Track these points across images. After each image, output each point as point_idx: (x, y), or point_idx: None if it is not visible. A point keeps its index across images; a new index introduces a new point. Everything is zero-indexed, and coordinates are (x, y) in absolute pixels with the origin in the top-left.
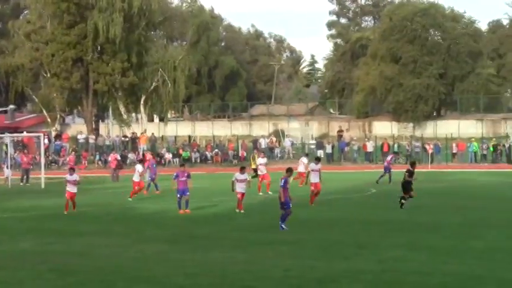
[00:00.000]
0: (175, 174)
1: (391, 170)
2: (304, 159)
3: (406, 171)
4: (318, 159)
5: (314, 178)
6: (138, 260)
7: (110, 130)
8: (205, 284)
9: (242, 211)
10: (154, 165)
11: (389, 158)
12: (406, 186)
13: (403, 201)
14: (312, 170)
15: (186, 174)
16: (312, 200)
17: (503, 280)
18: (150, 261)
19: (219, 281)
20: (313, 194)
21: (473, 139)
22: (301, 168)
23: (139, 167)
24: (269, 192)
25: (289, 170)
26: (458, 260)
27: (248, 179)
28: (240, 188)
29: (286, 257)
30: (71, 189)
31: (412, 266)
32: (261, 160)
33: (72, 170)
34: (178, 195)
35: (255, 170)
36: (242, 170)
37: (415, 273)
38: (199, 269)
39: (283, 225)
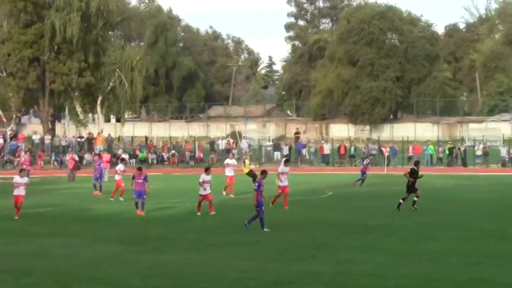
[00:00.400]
0: (132, 175)
1: (366, 174)
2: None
3: (410, 171)
4: (287, 161)
5: (284, 181)
6: (93, 261)
7: (66, 130)
8: (161, 285)
9: (213, 212)
10: (101, 166)
11: (366, 161)
12: (411, 186)
13: (401, 201)
14: (282, 173)
15: (142, 177)
16: (274, 201)
17: (458, 282)
18: (105, 262)
19: (174, 282)
20: (277, 196)
21: (429, 142)
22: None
23: (120, 166)
24: (231, 196)
25: (264, 172)
26: (414, 263)
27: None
28: (206, 189)
29: (242, 259)
30: (20, 192)
31: (368, 268)
32: (228, 161)
33: (23, 172)
34: (135, 197)
35: (250, 174)
36: (207, 171)
37: (371, 275)
38: (155, 270)
39: (248, 224)
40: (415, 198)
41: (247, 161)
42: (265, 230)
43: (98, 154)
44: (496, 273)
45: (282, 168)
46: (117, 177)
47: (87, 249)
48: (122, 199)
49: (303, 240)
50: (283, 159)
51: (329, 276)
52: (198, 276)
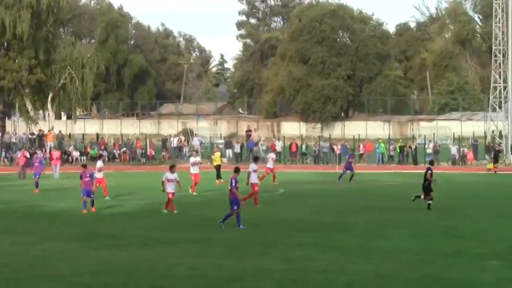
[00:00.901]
0: (80, 174)
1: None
2: (273, 155)
3: (428, 171)
4: (256, 159)
5: (255, 179)
6: (43, 258)
7: (17, 127)
8: (111, 283)
9: (175, 211)
10: (43, 162)
11: (350, 157)
12: (428, 187)
13: (419, 199)
14: (254, 171)
15: (88, 174)
16: (256, 200)
17: (410, 279)
18: (55, 259)
19: (125, 279)
20: (251, 194)
21: (380, 140)
22: (270, 164)
23: (99, 163)
24: (194, 193)
25: (237, 170)
26: (365, 260)
27: (177, 179)
28: (170, 187)
29: (193, 256)
30: None
31: (319, 265)
32: (193, 159)
33: None
34: (83, 195)
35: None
36: (172, 169)
37: (323, 272)
38: (106, 267)
39: (222, 223)
40: (429, 202)
41: (217, 154)
42: (241, 227)
43: (35, 152)
44: (447, 270)
45: (252, 166)
46: (97, 174)
47: (38, 246)
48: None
49: (254, 238)
50: (253, 158)
51: (280, 273)
52: (149, 274)
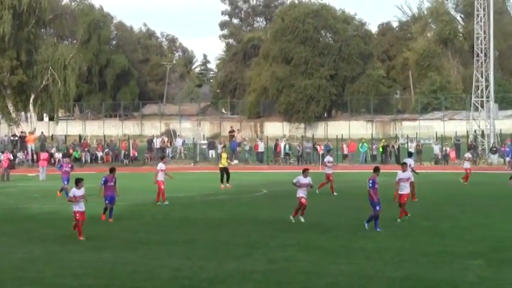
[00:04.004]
0: (103, 179)
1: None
2: (330, 158)
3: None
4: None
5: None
6: (26, 261)
7: None
8: (95, 285)
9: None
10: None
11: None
12: None
13: None
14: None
15: (114, 180)
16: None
17: (392, 279)
18: (38, 261)
19: (108, 281)
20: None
21: (363, 140)
22: (327, 170)
23: (161, 165)
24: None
25: (377, 170)
26: (348, 260)
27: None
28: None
29: (176, 258)
30: None
31: (302, 266)
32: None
33: None
34: (107, 202)
35: (224, 169)
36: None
37: (306, 273)
38: (89, 269)
39: (366, 226)
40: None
41: (224, 155)
42: (378, 229)
43: (67, 155)
44: (429, 269)
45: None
46: (159, 177)
47: (21, 249)
48: (165, 203)
49: (237, 239)
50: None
51: (263, 274)
52: (132, 275)
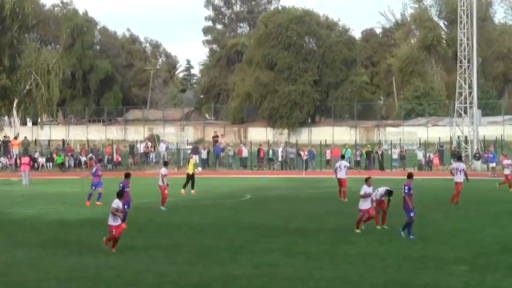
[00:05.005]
0: (121, 185)
1: None
2: (345, 163)
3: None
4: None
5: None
6: (9, 265)
7: None
8: None
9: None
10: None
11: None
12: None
13: None
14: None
15: (129, 185)
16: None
17: (375, 284)
18: (22, 265)
19: (92, 285)
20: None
21: (347, 145)
22: (341, 175)
23: (163, 170)
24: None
25: (411, 176)
26: (332, 266)
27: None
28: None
29: (161, 262)
30: None
31: (286, 271)
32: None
33: None
34: (126, 207)
35: (191, 176)
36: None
37: (290, 278)
38: (73, 274)
39: (401, 233)
40: None
41: (192, 161)
42: (411, 237)
43: (101, 159)
44: (414, 275)
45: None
46: (160, 182)
47: (4, 253)
48: (164, 208)
49: (222, 244)
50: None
51: (247, 279)
52: (117, 280)
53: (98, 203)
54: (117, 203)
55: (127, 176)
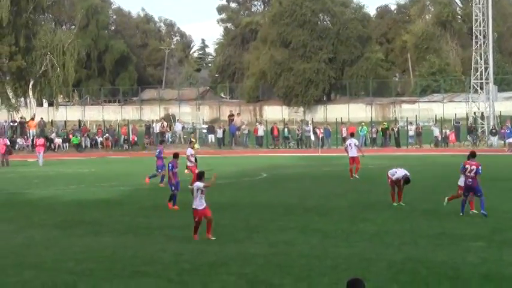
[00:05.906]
0: (170, 165)
1: None
2: (355, 141)
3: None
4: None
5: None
6: (27, 246)
7: None
8: (96, 269)
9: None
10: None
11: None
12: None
13: None
14: None
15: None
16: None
17: (392, 262)
18: (39, 246)
19: (109, 265)
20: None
21: (363, 123)
22: (353, 153)
23: (189, 151)
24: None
25: (473, 155)
26: (349, 243)
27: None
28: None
29: (177, 242)
30: None
31: (303, 249)
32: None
33: None
34: (173, 188)
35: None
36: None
37: (306, 256)
38: (90, 254)
39: (483, 211)
40: None
41: (193, 140)
42: (482, 212)
43: (161, 141)
44: (430, 252)
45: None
46: (189, 163)
47: (21, 234)
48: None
49: (238, 223)
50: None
51: (264, 258)
52: (133, 260)
53: (161, 184)
54: (197, 186)
55: (175, 156)
